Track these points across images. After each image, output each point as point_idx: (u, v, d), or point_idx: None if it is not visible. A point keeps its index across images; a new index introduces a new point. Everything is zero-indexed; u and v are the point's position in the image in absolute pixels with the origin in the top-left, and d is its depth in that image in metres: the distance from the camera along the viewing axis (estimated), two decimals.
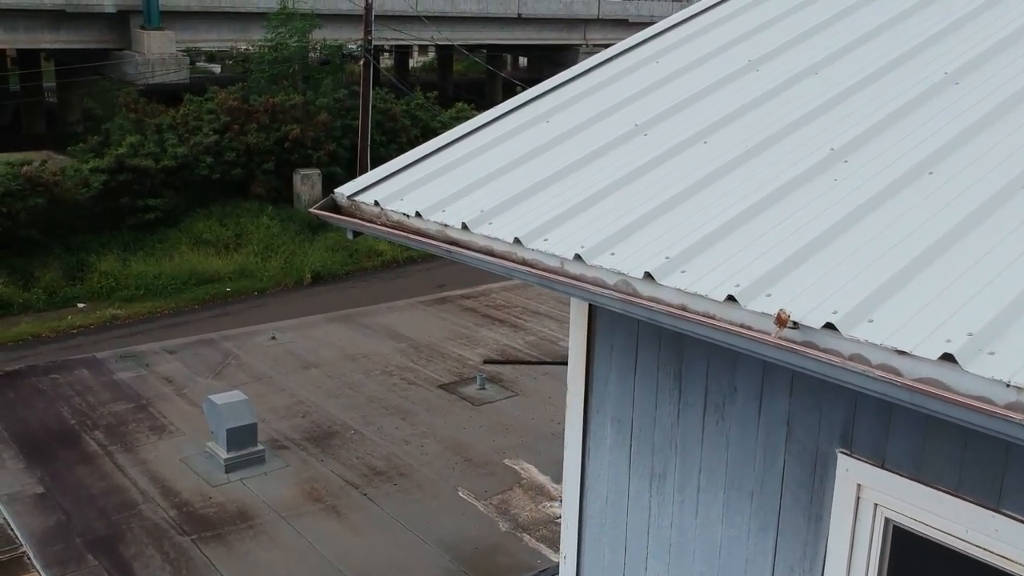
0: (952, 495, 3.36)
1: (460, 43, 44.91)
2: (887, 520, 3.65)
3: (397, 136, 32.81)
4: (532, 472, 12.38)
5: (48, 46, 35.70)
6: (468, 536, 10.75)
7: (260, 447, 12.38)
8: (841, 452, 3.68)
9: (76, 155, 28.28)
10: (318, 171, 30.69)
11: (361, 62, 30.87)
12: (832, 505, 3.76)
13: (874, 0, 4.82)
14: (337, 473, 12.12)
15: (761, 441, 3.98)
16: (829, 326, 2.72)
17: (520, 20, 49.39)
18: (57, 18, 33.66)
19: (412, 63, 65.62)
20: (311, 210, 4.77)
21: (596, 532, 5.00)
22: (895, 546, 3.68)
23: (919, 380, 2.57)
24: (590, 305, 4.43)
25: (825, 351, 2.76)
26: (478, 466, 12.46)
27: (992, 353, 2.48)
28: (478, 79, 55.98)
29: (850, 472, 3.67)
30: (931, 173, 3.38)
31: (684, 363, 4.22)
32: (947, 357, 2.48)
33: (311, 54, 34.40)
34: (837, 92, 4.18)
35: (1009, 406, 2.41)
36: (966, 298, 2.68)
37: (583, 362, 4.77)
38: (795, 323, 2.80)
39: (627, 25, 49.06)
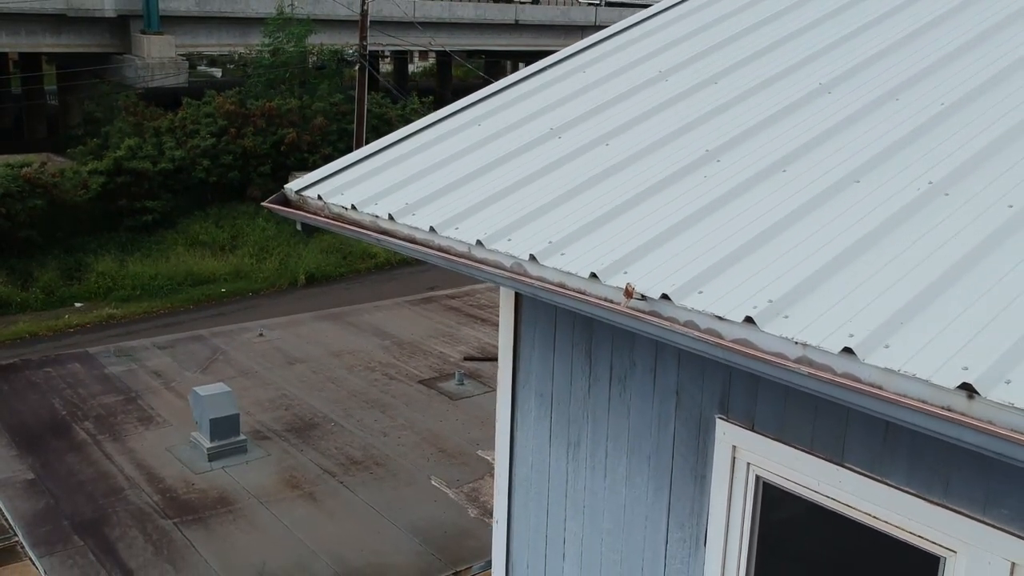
0: (807, 452, 3.84)
1: (458, 49, 45.46)
2: (757, 477, 4.13)
3: None
4: None
5: (49, 50, 36.27)
6: (439, 521, 11.21)
7: (242, 437, 12.84)
8: (719, 418, 4.15)
9: (75, 157, 28.82)
10: None
11: (357, 67, 31.40)
12: (713, 465, 4.24)
13: (772, 21, 5.33)
14: (316, 462, 12.59)
15: (656, 409, 4.46)
16: (665, 297, 3.21)
17: (518, 26, 49.95)
18: (58, 22, 34.22)
19: (412, 68, 66.17)
20: (264, 203, 5.26)
21: (523, 497, 5.47)
22: (764, 500, 4.17)
23: (735, 341, 3.06)
24: None
25: (667, 319, 3.25)
26: (452, 456, 12.92)
27: (787, 317, 2.97)
28: (477, 84, 56.44)
29: (727, 435, 4.14)
30: (784, 171, 3.87)
31: (593, 341, 4.70)
32: (749, 320, 2.97)
33: (310, 58, 34.94)
34: (729, 99, 4.68)
35: (798, 360, 2.90)
36: (779, 274, 3.18)
37: (511, 341, 5.25)
38: (642, 295, 3.29)
39: None
